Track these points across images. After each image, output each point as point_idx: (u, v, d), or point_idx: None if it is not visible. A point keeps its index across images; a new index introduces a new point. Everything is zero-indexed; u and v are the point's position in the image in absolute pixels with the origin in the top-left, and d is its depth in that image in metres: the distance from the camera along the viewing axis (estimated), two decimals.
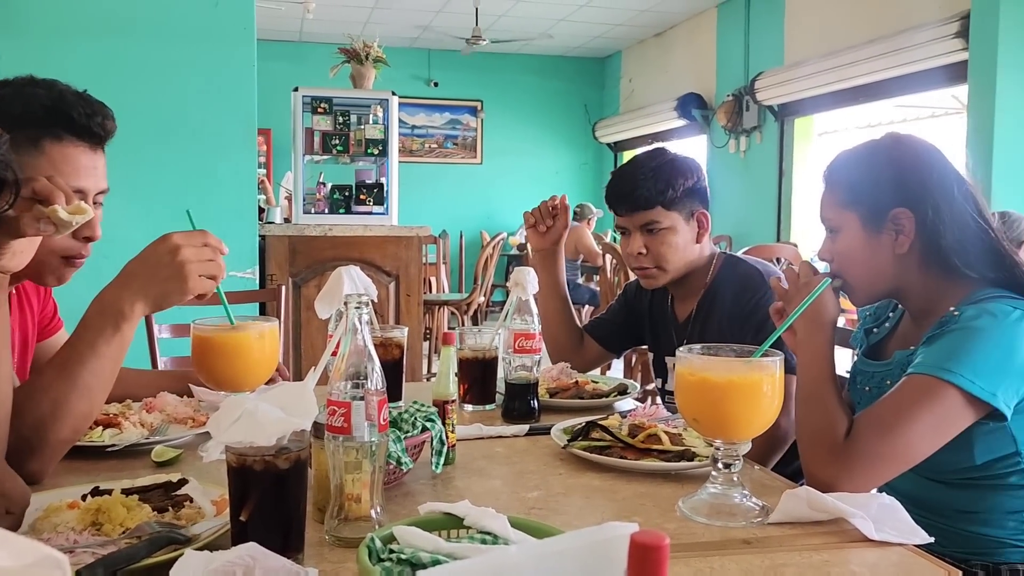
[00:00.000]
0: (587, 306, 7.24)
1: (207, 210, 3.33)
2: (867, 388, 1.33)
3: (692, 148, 8.71)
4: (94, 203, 1.31)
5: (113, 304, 1.13)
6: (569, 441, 1.29)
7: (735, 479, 1.05)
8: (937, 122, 8.35)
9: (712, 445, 1.06)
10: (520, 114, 10.16)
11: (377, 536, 0.75)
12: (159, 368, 2.44)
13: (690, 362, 1.04)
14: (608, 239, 6.48)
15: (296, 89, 3.96)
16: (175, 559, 0.78)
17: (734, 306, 1.67)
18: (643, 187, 1.71)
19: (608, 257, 4.68)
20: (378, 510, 0.95)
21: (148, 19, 3.32)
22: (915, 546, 0.97)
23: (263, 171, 8.42)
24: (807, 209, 6.91)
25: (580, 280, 7.54)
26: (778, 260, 4.84)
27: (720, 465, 1.05)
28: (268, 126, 8.23)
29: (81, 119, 1.25)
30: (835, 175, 1.32)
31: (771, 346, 1.09)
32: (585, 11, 8.21)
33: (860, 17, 6.08)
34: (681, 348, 1.06)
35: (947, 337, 1.15)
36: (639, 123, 9.25)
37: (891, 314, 1.41)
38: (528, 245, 1.86)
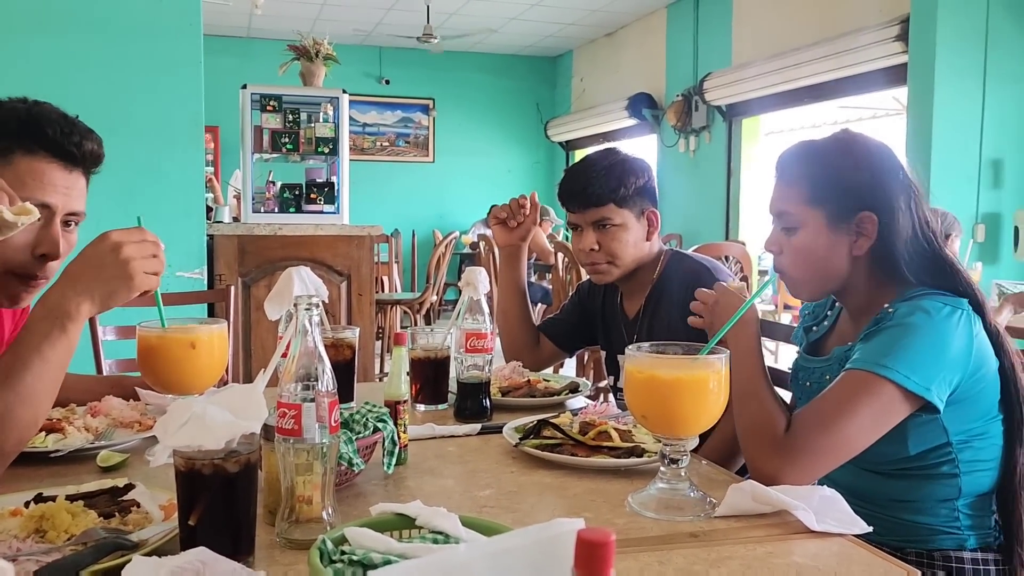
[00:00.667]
0: (540, 304, 7.28)
1: (153, 209, 3.27)
2: (808, 384, 1.36)
3: (643, 147, 8.80)
4: (64, 224, 1.29)
5: (59, 306, 1.11)
6: (520, 439, 1.31)
7: (683, 474, 1.07)
8: (879, 123, 8.58)
9: (660, 441, 1.08)
10: (472, 113, 10.16)
11: (328, 538, 0.75)
12: (104, 371, 2.39)
13: (638, 360, 1.06)
14: (560, 238, 6.52)
15: (245, 86, 3.91)
16: (123, 565, 0.77)
17: (681, 302, 1.70)
18: (596, 184, 1.75)
19: (560, 256, 4.71)
20: (330, 511, 0.95)
21: (91, 14, 3.24)
22: (854, 536, 1.00)
23: (211, 169, 8.28)
24: (755, 208, 7.04)
25: (533, 278, 7.58)
26: (727, 258, 4.92)
27: (668, 461, 1.08)
28: (216, 123, 8.10)
29: (56, 135, 1.25)
30: (798, 170, 1.30)
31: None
32: (536, 10, 8.24)
33: (805, 20, 6.22)
34: (630, 347, 1.08)
35: (883, 334, 1.19)
36: (590, 122, 9.31)
37: (829, 312, 1.44)
38: (494, 240, 1.85)
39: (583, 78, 9.84)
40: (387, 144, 10.09)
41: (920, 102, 4.69)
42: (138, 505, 0.97)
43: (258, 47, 8.80)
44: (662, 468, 1.08)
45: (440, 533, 0.79)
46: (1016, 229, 4.52)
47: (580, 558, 0.42)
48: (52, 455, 1.24)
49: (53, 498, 0.98)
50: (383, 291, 7.23)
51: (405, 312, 5.85)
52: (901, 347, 1.16)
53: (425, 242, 8.97)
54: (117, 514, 0.95)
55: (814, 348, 1.43)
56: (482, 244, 7.27)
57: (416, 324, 5.68)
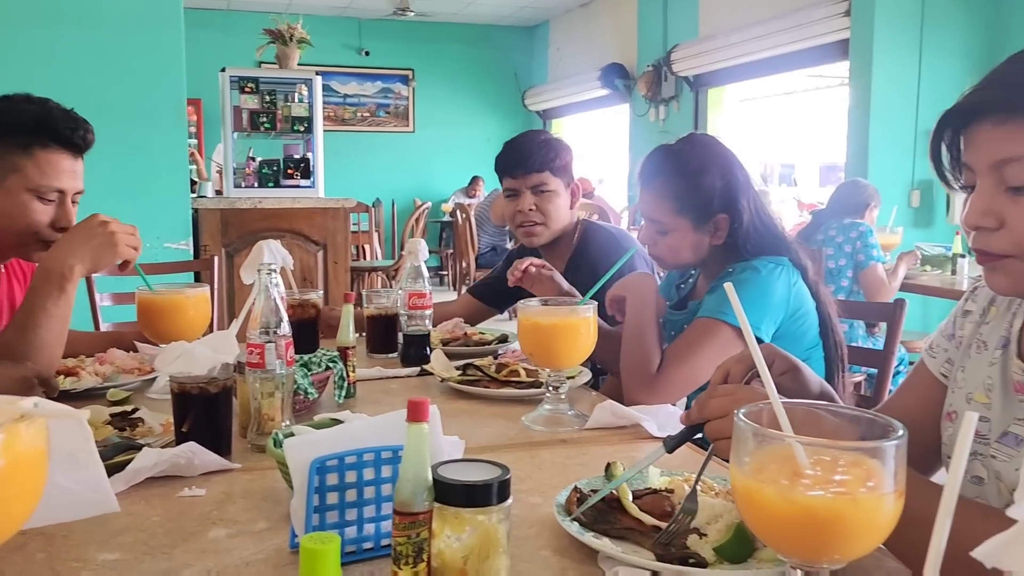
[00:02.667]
0: None
1: (141, 186, 3.55)
2: (672, 333, 1.71)
3: (615, 116, 9.07)
4: (72, 202, 1.62)
5: (55, 269, 1.45)
6: (444, 379, 1.63)
7: (563, 397, 1.40)
8: (844, 91, 8.89)
9: (545, 372, 1.40)
10: (451, 83, 10.36)
11: (281, 433, 1.07)
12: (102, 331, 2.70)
13: (527, 310, 1.38)
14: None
15: (224, 69, 4.16)
16: (134, 458, 1.08)
17: (593, 269, 2.02)
18: (538, 153, 2.09)
19: None
20: (287, 424, 1.26)
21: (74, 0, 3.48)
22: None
23: (194, 142, 8.49)
24: None
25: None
26: None
27: (551, 388, 1.40)
28: (198, 96, 8.30)
29: (65, 132, 1.57)
30: (662, 182, 1.63)
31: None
32: None
33: None
34: (521, 301, 1.40)
35: (722, 288, 1.51)
36: (566, 92, 9.56)
37: (694, 272, 1.79)
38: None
39: (559, 48, 10.06)
40: (367, 115, 10.31)
41: (860, 75, 4.99)
42: (143, 422, 1.28)
43: (238, 20, 8.97)
44: (547, 393, 1.41)
45: None
46: (947, 196, 4.85)
47: (409, 412, 0.74)
48: (71, 392, 1.55)
49: None
50: (364, 259, 7.53)
51: (383, 278, 6.15)
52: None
53: (405, 211, 9.23)
54: (128, 428, 1.26)
55: (679, 304, 1.77)
56: (459, 213, 7.56)
57: (370, 288, 6.00)
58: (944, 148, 0.92)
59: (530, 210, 2.10)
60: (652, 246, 1.68)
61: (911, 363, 3.98)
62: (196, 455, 1.09)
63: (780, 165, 12.85)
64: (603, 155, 10.24)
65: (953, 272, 3.98)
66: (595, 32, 9.19)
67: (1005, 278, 0.90)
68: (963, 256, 3.90)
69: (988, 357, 1.01)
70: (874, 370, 2.01)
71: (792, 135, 11.31)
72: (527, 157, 2.09)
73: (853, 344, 2.52)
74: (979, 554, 0.41)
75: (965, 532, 0.52)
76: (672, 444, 0.97)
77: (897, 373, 3.57)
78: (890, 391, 3.25)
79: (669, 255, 1.66)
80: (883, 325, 3.63)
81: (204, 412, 1.17)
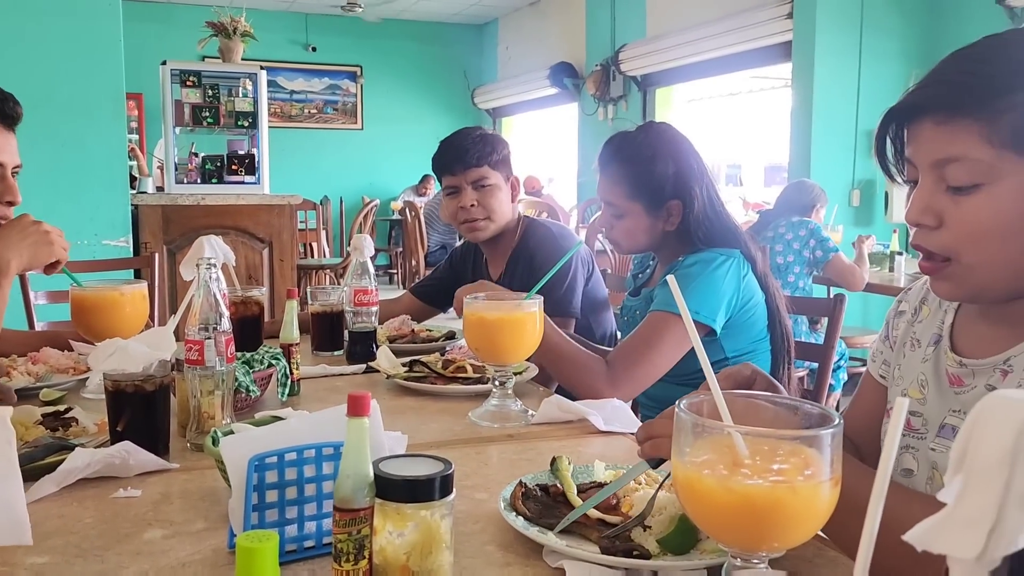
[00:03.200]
0: None
1: (78, 181, 3.45)
2: (626, 318, 1.78)
3: (564, 115, 9.11)
4: (12, 174, 1.58)
5: None
6: (391, 376, 1.61)
7: (509, 393, 1.39)
8: (786, 92, 9.06)
9: (491, 368, 1.40)
10: (400, 80, 10.29)
11: (220, 431, 1.04)
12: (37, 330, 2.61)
13: (473, 306, 1.37)
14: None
15: (164, 62, 4.07)
16: (66, 459, 1.05)
17: (534, 265, 2.02)
18: (476, 149, 2.08)
19: None
20: (227, 422, 1.23)
21: None
22: (633, 434, 1.33)
23: (135, 137, 8.29)
24: None
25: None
26: None
27: (497, 383, 1.39)
28: (139, 90, 8.11)
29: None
30: (618, 167, 1.67)
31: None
32: None
33: None
34: (468, 296, 1.39)
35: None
36: (515, 90, 9.56)
37: (652, 263, 1.82)
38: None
39: (508, 46, 10.06)
40: (315, 111, 10.18)
41: (803, 76, 5.09)
42: (77, 422, 1.24)
43: (179, 13, 8.78)
44: (494, 389, 1.40)
45: None
46: (887, 194, 4.98)
47: (349, 406, 0.73)
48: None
49: None
50: (312, 257, 7.43)
51: (331, 276, 6.08)
52: (689, 290, 1.51)
53: (354, 209, 9.14)
54: (60, 428, 1.22)
55: (637, 290, 1.81)
56: (408, 211, 7.51)
57: (315, 285, 5.94)
58: (888, 142, 0.93)
59: (472, 206, 2.09)
60: (609, 230, 1.71)
61: (851, 358, 4.08)
62: (132, 455, 1.06)
63: (726, 165, 13.04)
64: (552, 154, 10.27)
65: (891, 269, 4.09)
66: (544, 31, 9.21)
67: (947, 285, 0.91)
68: (900, 254, 4.01)
69: (921, 354, 1.04)
70: (815, 364, 2.05)
71: (737, 136, 11.49)
72: (465, 153, 2.08)
73: (796, 339, 2.57)
74: (911, 537, 0.41)
75: (902, 517, 0.53)
76: (656, 462, 0.96)
77: (838, 368, 3.66)
78: (831, 385, 3.33)
79: (624, 238, 1.70)
80: (825, 321, 3.72)
81: (140, 411, 1.14)
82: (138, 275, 3.39)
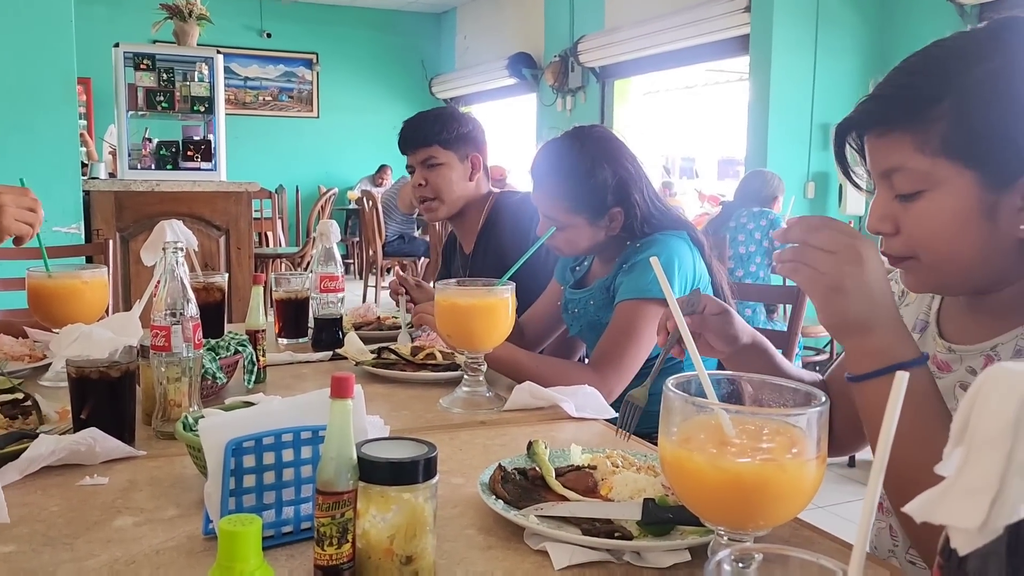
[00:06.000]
0: (422, 258, 7.55)
1: (27, 166, 3.34)
2: (575, 311, 1.76)
3: (523, 105, 9.10)
4: None
5: None
6: (359, 362, 1.59)
7: (480, 379, 1.39)
8: (744, 85, 9.18)
9: (462, 354, 1.39)
10: (357, 68, 10.18)
11: (191, 416, 1.02)
12: None
13: (444, 291, 1.36)
14: None
15: (117, 45, 3.96)
16: (29, 447, 1.01)
17: (512, 237, 2.01)
18: (424, 127, 2.08)
19: None
20: (194, 409, 1.21)
21: None
22: (606, 420, 1.34)
23: (84, 123, 8.07)
24: None
25: (416, 233, 7.82)
26: None
27: (469, 370, 1.38)
28: (88, 75, 7.89)
29: None
30: (554, 181, 1.65)
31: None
32: None
33: None
34: (439, 282, 1.38)
35: (635, 269, 1.56)
36: (473, 80, 9.52)
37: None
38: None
39: (466, 36, 10.00)
40: (270, 99, 10.02)
41: (760, 70, 5.16)
42: (38, 409, 1.20)
43: None
44: (466, 376, 1.39)
45: None
46: (840, 187, 5.08)
47: (333, 388, 0.71)
48: None
49: None
50: (268, 246, 7.32)
51: (287, 266, 6.00)
52: (647, 271, 1.52)
53: (310, 198, 9.03)
54: (20, 417, 1.18)
55: (579, 284, 1.81)
56: (366, 200, 7.44)
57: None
58: (849, 150, 0.97)
59: (419, 185, 2.08)
60: (550, 239, 1.68)
61: (807, 347, 4.14)
62: (98, 442, 1.03)
63: (681, 158, 13.17)
64: (511, 144, 10.26)
65: None
66: (502, 21, 9.18)
67: (913, 278, 0.95)
68: None
69: None
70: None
71: (693, 129, 11.60)
72: (414, 131, 2.09)
73: (755, 327, 2.61)
74: (910, 509, 0.42)
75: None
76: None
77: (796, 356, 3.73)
78: None
79: (567, 246, 1.69)
80: (782, 310, 3.78)
81: (105, 397, 1.11)
82: (90, 262, 3.31)
